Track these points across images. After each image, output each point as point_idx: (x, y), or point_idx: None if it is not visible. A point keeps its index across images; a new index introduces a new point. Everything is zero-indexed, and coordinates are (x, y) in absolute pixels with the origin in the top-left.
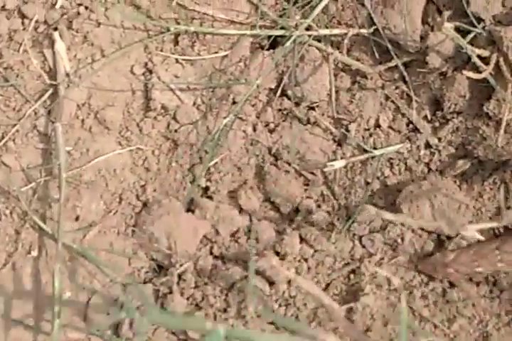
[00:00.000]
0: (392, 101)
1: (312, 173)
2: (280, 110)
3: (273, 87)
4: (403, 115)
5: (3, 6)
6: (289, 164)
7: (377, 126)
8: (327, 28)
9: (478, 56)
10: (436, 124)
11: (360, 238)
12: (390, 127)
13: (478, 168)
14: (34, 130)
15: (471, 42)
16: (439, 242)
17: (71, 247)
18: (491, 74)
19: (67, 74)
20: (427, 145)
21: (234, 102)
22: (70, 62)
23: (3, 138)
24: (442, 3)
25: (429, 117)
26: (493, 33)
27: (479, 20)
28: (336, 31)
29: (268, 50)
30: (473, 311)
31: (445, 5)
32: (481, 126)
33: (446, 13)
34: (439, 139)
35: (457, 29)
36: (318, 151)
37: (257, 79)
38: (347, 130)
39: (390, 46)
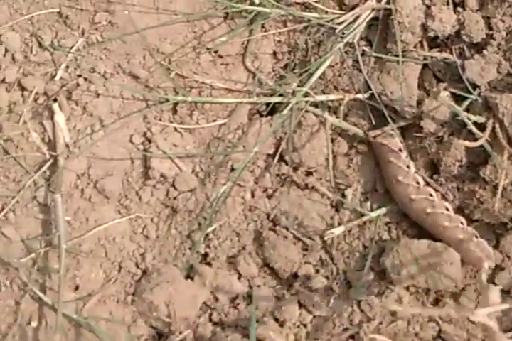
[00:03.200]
0: None
1: (310, 238)
2: (278, 175)
3: (271, 152)
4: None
5: (3, 79)
6: (287, 229)
7: (374, 190)
8: (324, 93)
9: (474, 122)
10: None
11: (358, 303)
12: (386, 191)
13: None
14: (34, 201)
15: (467, 109)
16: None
17: (71, 317)
18: (487, 140)
19: (67, 145)
20: None
21: (232, 169)
22: (70, 132)
23: (3, 209)
24: (438, 69)
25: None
26: (489, 99)
27: (475, 86)
28: (332, 97)
29: (266, 116)
30: None
31: (441, 71)
32: (477, 190)
33: (442, 85)
34: None
35: (453, 94)
36: (316, 217)
37: (254, 146)
38: (343, 195)
39: (386, 111)
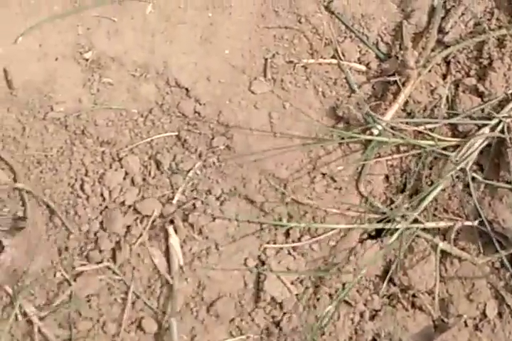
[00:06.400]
0: (497, 291)
1: None
2: (385, 296)
3: (379, 273)
4: (508, 306)
5: (122, 202)
6: None
7: (484, 316)
8: (434, 216)
9: None
10: None
11: None
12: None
13: None
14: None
15: None
16: None
17: None
18: None
19: (181, 267)
20: None
21: (342, 289)
22: (184, 255)
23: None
24: None
25: None
26: None
27: None
28: (442, 224)
29: (375, 238)
30: None
31: None
32: None
33: None
34: None
35: None
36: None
37: (363, 268)
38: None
39: (497, 238)
